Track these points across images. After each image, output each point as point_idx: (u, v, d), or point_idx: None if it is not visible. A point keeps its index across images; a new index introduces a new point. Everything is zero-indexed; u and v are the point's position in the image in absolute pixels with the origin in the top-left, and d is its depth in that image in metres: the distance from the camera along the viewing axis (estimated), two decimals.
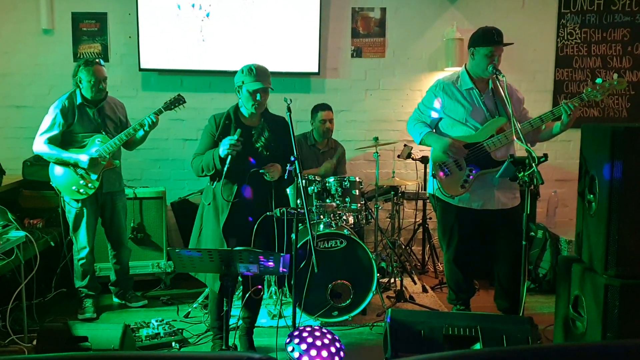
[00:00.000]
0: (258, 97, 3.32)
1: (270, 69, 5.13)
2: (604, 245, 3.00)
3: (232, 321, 3.39)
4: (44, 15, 5.18)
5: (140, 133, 4.15)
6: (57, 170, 4.14)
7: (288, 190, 4.19)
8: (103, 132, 4.11)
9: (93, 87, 4.05)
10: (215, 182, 3.43)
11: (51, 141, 4.07)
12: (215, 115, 3.47)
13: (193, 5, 5.20)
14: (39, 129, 4.11)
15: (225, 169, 3.20)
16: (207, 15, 5.23)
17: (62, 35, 5.27)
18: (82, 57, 5.23)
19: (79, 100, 4.10)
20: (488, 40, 3.71)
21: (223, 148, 3.22)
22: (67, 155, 4.06)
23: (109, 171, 4.15)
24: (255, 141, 3.40)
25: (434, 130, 3.90)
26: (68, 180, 4.11)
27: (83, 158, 4.04)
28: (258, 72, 3.33)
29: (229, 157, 3.20)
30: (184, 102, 4.13)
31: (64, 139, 4.11)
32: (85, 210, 4.15)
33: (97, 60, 4.12)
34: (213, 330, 3.62)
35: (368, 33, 5.51)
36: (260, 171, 3.31)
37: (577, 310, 3.25)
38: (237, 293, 4.04)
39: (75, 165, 4.07)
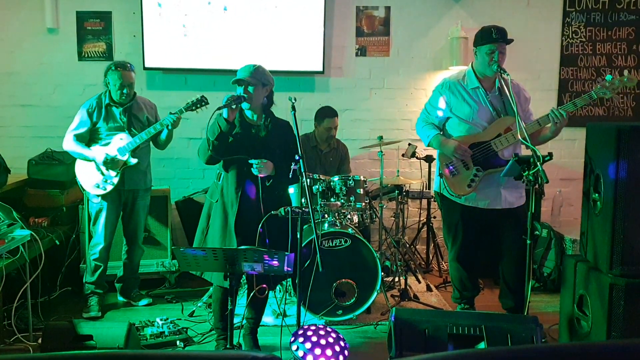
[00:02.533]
0: (241, 90, 3.33)
1: (275, 67, 5.23)
2: (609, 244, 3.00)
3: (236, 320, 3.39)
4: (48, 15, 5.19)
5: (165, 132, 4.20)
6: (80, 166, 4.22)
7: (292, 189, 4.20)
8: (126, 131, 4.16)
9: (118, 91, 4.13)
10: (222, 178, 3.43)
11: (78, 138, 4.17)
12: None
13: (198, 4, 5.20)
14: (70, 126, 4.22)
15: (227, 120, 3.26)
16: (211, 14, 5.23)
17: (66, 34, 5.28)
18: (86, 56, 5.28)
19: (107, 100, 4.20)
20: (487, 38, 3.73)
21: (223, 101, 3.28)
22: (87, 152, 4.14)
23: (133, 169, 4.20)
24: (253, 137, 3.40)
25: (442, 132, 3.90)
26: (89, 176, 4.18)
27: (100, 156, 4.11)
28: (244, 68, 3.38)
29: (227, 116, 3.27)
30: (207, 103, 4.14)
31: (91, 136, 4.21)
32: (105, 206, 4.20)
33: (127, 64, 4.19)
34: (217, 330, 3.62)
35: (372, 32, 5.51)
36: (250, 161, 3.31)
37: (582, 310, 3.24)
38: (242, 292, 4.05)
39: (95, 162, 4.14)
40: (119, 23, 5.31)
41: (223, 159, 3.38)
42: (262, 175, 3.33)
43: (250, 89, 3.33)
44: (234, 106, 3.27)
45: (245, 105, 3.38)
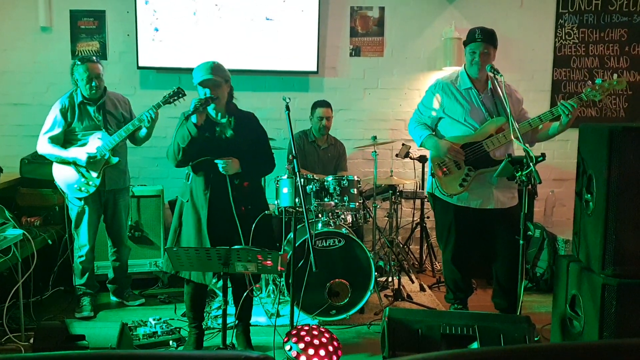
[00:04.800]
0: (207, 91, 3.30)
1: (269, 67, 5.26)
2: (601, 244, 3.00)
3: (228, 320, 3.39)
4: (42, 13, 5.18)
5: (143, 130, 4.14)
6: (59, 169, 4.14)
7: (286, 189, 4.20)
8: (103, 129, 4.11)
9: (87, 85, 4.04)
10: (191, 179, 3.42)
11: (53, 140, 4.09)
12: (184, 112, 3.45)
13: (193, 3, 5.20)
14: (42, 128, 4.13)
15: (195, 126, 3.22)
16: (206, 13, 5.23)
17: (60, 33, 5.26)
18: (80, 54, 5.24)
19: (79, 98, 4.10)
20: (470, 38, 3.78)
21: (191, 106, 3.24)
22: (66, 154, 4.06)
23: (112, 169, 4.15)
24: (218, 137, 3.38)
25: (434, 132, 3.91)
26: (69, 178, 4.11)
27: (81, 156, 4.04)
28: (203, 67, 3.32)
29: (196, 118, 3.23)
30: (184, 94, 4.07)
31: (65, 138, 4.13)
32: (87, 208, 4.15)
33: (93, 57, 4.11)
34: (188, 319, 3.64)
35: (367, 32, 5.51)
36: (215, 161, 3.29)
37: (574, 310, 3.26)
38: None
39: (75, 164, 4.08)
40: (112, 22, 5.29)
41: (192, 163, 3.36)
42: (229, 173, 3.31)
43: (216, 89, 3.29)
44: (201, 110, 3.24)
45: (211, 106, 3.35)
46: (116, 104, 4.26)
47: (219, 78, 3.30)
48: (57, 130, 4.09)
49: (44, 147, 4.10)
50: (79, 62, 4.05)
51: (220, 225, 3.33)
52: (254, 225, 3.30)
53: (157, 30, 5.21)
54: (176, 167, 3.42)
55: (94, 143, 4.07)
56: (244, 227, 3.29)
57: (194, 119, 3.23)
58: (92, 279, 4.34)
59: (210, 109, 3.40)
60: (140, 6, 5.16)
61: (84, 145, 4.09)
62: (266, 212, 3.24)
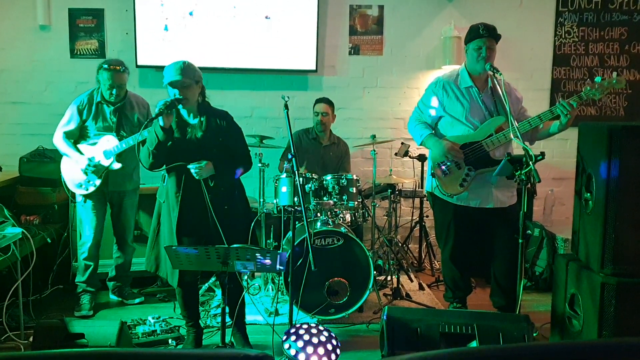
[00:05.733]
0: (176, 92, 3.26)
1: (268, 66, 5.25)
2: (600, 243, 3.01)
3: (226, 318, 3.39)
4: (40, 12, 5.17)
5: None
6: (66, 164, 4.19)
7: (285, 188, 4.20)
8: (114, 133, 4.12)
9: (107, 91, 4.09)
10: (167, 180, 3.41)
11: (68, 135, 4.14)
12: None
13: (193, 3, 5.20)
14: (61, 121, 4.17)
15: (163, 125, 3.18)
16: (205, 12, 5.22)
17: (58, 31, 5.26)
18: (79, 53, 5.26)
19: (98, 98, 4.15)
20: (474, 34, 3.77)
21: (156, 109, 3.19)
22: (73, 154, 4.10)
23: (116, 172, 4.15)
24: (189, 139, 3.34)
25: (434, 131, 3.91)
26: (74, 174, 4.14)
27: (81, 164, 4.08)
28: (172, 67, 3.27)
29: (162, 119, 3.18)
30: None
31: (80, 133, 4.18)
32: (90, 204, 4.18)
33: (119, 66, 4.09)
34: (184, 318, 3.64)
35: (366, 31, 5.51)
36: (188, 166, 3.27)
37: (573, 309, 3.26)
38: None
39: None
40: (111, 20, 5.29)
41: (166, 167, 3.34)
42: (202, 177, 3.28)
43: (184, 90, 3.25)
44: (167, 112, 3.19)
45: (180, 107, 3.30)
46: (134, 107, 4.27)
47: (188, 79, 3.25)
48: (72, 126, 4.14)
49: (58, 141, 4.15)
50: (105, 66, 4.07)
51: (191, 227, 3.32)
52: (251, 225, 3.30)
53: (166, 29, 5.22)
54: (149, 169, 3.36)
55: (103, 146, 4.09)
56: (224, 227, 3.27)
57: (160, 121, 3.19)
58: (94, 277, 4.34)
59: (182, 110, 3.36)
60: (144, 7, 5.16)
61: (93, 144, 4.12)
62: (264, 210, 3.23)
